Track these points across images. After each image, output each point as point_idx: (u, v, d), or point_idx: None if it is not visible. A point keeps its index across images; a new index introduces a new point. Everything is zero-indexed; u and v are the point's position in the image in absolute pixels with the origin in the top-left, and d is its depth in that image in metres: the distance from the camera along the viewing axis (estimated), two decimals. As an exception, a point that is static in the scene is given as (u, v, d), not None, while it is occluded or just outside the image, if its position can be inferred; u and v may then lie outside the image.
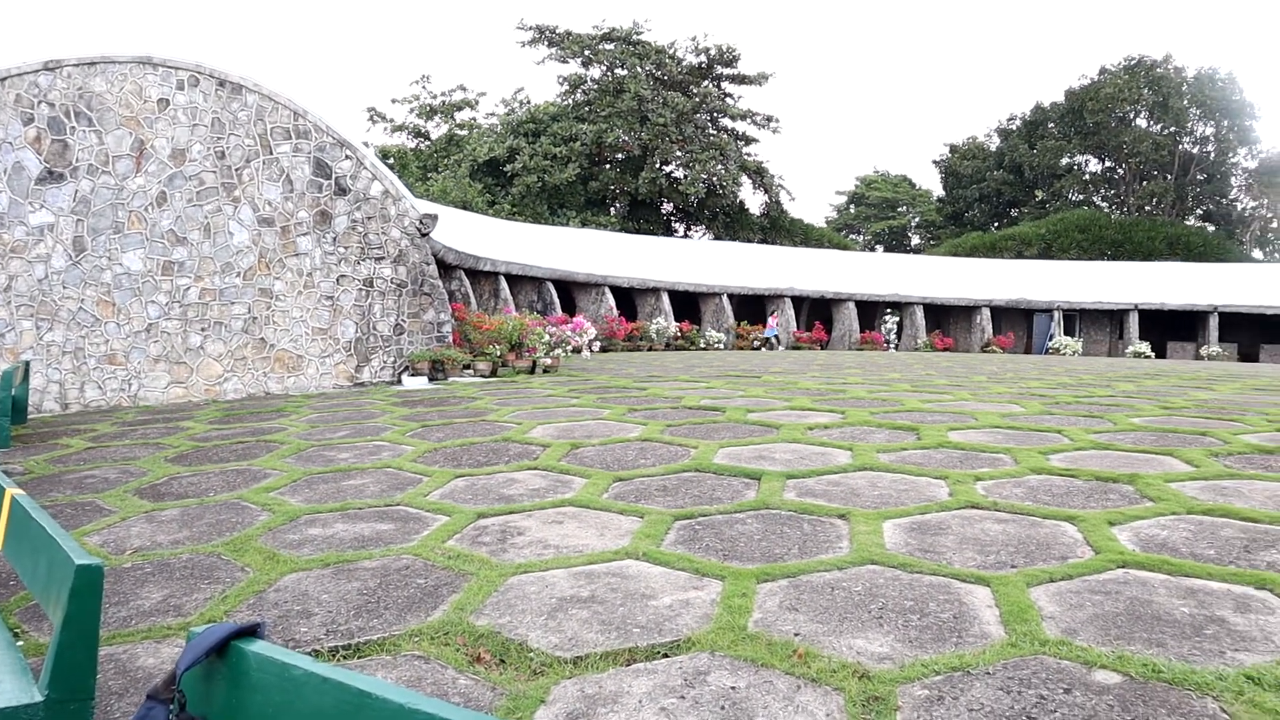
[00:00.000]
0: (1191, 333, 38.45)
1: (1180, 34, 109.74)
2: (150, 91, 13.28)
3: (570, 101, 51.53)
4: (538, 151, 46.63)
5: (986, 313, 37.65)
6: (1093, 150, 61.29)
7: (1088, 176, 63.17)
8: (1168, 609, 3.47)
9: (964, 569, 4.00)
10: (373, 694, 1.34)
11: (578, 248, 33.80)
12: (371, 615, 3.65)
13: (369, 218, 14.51)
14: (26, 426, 10.31)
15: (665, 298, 32.34)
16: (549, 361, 16.14)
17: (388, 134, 52.90)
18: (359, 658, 3.26)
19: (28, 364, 10.89)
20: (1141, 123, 59.83)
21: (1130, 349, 35.44)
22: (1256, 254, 59.59)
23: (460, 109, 53.10)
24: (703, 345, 31.98)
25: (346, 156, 14.40)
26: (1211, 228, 58.49)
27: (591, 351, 19.94)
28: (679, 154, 49.37)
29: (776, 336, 34.42)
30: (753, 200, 55.87)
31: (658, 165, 49.79)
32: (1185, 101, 57.95)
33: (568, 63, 50.89)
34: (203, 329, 13.47)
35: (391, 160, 47.55)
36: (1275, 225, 61.73)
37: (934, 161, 70.10)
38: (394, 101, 67.37)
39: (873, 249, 70.32)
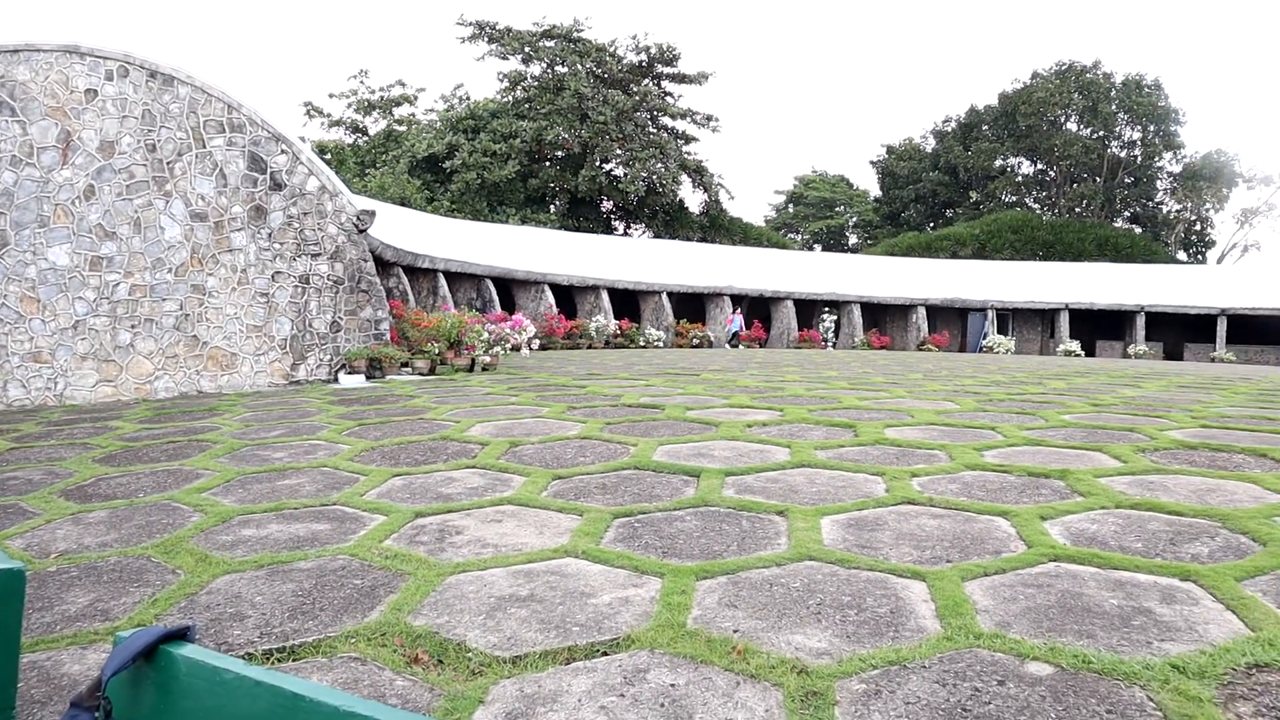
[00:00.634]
0: (1120, 332, 39.44)
1: (1109, 40, 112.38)
2: (77, 81, 12.93)
3: (510, 98, 51.31)
4: (477, 148, 46.34)
5: (922, 311, 38.22)
6: (1025, 153, 62.61)
7: (1020, 178, 64.52)
8: (1097, 601, 3.55)
9: (900, 564, 4.05)
10: (307, 697, 1.32)
11: (517, 245, 33.66)
12: (307, 617, 3.59)
13: (305, 213, 14.29)
14: (-54, 426, 10.00)
15: (605, 296, 32.34)
16: (488, 359, 16.04)
17: (325, 129, 52.25)
18: (294, 660, 3.21)
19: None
20: (1072, 126, 61.27)
21: (1061, 347, 36.21)
22: (1181, 255, 61.30)
23: (399, 104, 52.59)
24: (642, 343, 32.03)
25: (282, 151, 14.16)
26: (1138, 230, 60.04)
27: (531, 349, 19.85)
28: (619, 152, 49.41)
29: (738, 333, 34.70)
30: (692, 199, 56.21)
31: (598, 163, 49.76)
32: (1114, 106, 59.47)
33: (508, 59, 50.66)
34: (133, 326, 13.14)
35: (329, 156, 46.91)
36: (1199, 228, 63.50)
37: (871, 162, 71.10)
38: (331, 96, 66.46)
39: (811, 248, 71.03)
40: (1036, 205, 64.31)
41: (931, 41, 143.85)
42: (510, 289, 30.44)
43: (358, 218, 14.62)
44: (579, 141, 48.14)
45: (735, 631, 3.31)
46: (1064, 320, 38.00)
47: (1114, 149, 61.21)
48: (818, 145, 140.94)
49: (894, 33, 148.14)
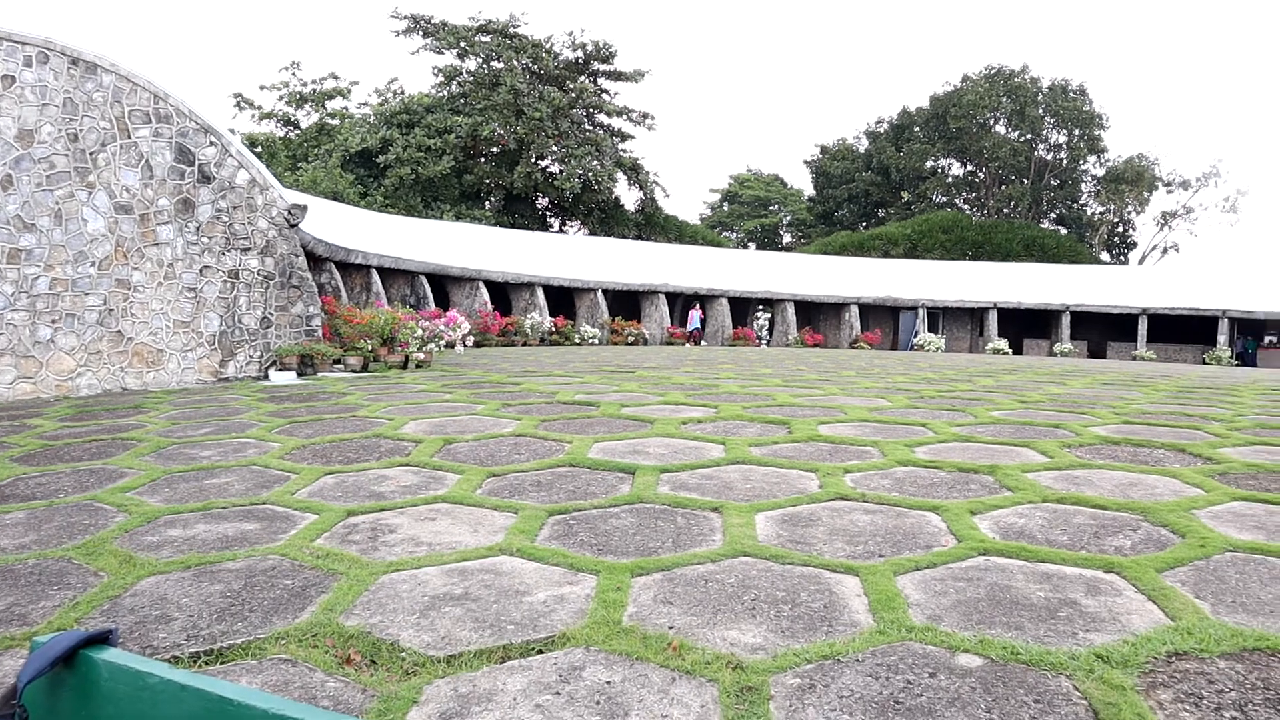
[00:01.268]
0: (1046, 330, 40.35)
1: (1037, 44, 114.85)
2: (-6, 69, 12.51)
3: (445, 93, 50.83)
4: (411, 143, 45.84)
5: (855, 310, 38.72)
6: (955, 154, 63.78)
7: (951, 179, 65.69)
8: (1025, 594, 3.62)
9: (834, 559, 4.09)
10: (235, 700, 1.29)
11: (452, 241, 33.42)
12: (236, 618, 3.52)
13: (235, 207, 14.00)
14: None
15: (540, 293, 32.24)
16: (422, 356, 15.89)
17: (255, 121, 51.23)
18: (222, 663, 3.14)
19: None
20: (1001, 129, 62.52)
21: (990, 346, 36.95)
22: (1104, 256, 62.96)
23: (331, 98, 51.76)
24: (577, 340, 32.00)
25: (211, 143, 13.85)
26: (1064, 231, 61.51)
27: (465, 346, 19.72)
28: (555, 149, 49.24)
29: (698, 329, 34.88)
30: (628, 196, 56.41)
31: (533, 159, 49.55)
32: (1041, 110, 60.84)
33: (443, 54, 50.18)
34: (53, 321, 12.76)
35: (259, 149, 46.00)
36: (1121, 230, 65.23)
37: (805, 161, 71.86)
38: (262, 88, 65.34)
39: (745, 246, 71.52)
40: (966, 206, 65.54)
41: (865, 43, 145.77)
42: (445, 286, 30.20)
43: (289, 212, 14.38)
44: (514, 138, 47.86)
45: (671, 628, 3.32)
46: (993, 319, 38.78)
47: (1041, 152, 62.64)
48: (753, 144, 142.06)
49: (829, 33, 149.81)
